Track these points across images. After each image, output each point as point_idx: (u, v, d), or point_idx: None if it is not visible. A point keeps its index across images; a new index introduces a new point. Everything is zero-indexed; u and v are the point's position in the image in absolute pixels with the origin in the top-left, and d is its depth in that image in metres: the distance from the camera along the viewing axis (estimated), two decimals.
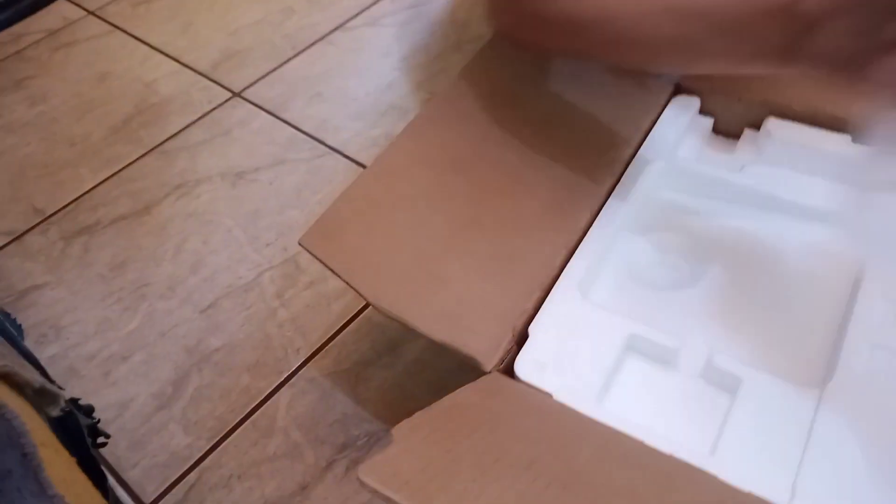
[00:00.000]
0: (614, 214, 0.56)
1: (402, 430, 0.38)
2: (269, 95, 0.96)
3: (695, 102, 0.64)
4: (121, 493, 0.60)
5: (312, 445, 0.59)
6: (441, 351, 0.48)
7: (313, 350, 0.66)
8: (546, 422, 0.43)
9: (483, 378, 0.46)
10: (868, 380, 0.44)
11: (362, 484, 0.36)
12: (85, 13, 1.21)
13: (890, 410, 0.43)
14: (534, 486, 0.38)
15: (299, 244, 0.55)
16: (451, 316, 0.50)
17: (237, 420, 0.62)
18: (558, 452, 0.40)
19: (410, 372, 0.63)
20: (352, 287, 0.52)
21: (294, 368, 0.65)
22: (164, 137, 0.93)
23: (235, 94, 0.98)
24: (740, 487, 0.40)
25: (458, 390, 0.43)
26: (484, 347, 0.48)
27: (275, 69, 1.01)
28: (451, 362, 0.49)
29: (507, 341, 0.49)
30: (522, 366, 0.48)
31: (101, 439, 0.53)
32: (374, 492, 0.36)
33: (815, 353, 0.47)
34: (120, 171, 0.90)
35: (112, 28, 1.16)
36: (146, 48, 1.10)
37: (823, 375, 0.45)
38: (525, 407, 0.44)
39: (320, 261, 0.54)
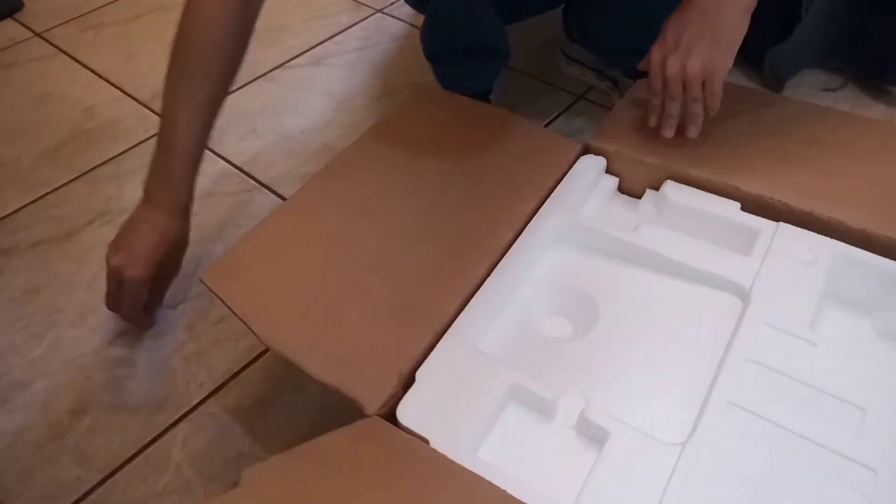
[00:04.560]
0: (512, 266, 0.58)
1: (252, 473, 0.38)
2: None
3: (601, 162, 0.67)
4: None
5: (204, 483, 0.59)
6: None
7: (216, 386, 0.66)
8: (414, 469, 0.44)
9: (360, 422, 0.47)
10: (725, 437, 0.46)
11: None
12: (31, 34, 1.21)
13: (741, 468, 0.45)
14: None
15: (200, 281, 0.55)
16: (342, 359, 0.51)
17: (131, 454, 0.62)
18: (416, 500, 0.41)
19: (311, 411, 0.63)
20: (248, 327, 0.53)
21: (195, 404, 0.65)
22: (95, 164, 0.93)
23: None
24: None
25: (329, 433, 0.44)
26: (369, 391, 0.49)
27: None
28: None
29: (392, 386, 0.50)
30: (405, 411, 0.49)
31: None
32: None
33: (682, 410, 0.49)
34: (45, 195, 0.89)
35: (56, 51, 1.16)
36: (89, 73, 1.10)
37: (688, 432, 0.47)
38: (396, 453, 0.45)
39: (220, 299, 0.55)
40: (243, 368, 0.67)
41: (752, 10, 0.58)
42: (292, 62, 1.10)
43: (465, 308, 0.55)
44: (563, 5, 0.95)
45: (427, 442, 0.47)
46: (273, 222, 0.62)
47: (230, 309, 0.54)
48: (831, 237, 0.58)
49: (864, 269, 0.56)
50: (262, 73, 1.08)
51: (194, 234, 0.81)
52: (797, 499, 0.43)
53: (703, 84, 0.60)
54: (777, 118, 0.68)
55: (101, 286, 0.75)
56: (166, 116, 0.65)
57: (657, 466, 0.45)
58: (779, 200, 0.60)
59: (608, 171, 0.68)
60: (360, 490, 0.40)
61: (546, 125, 0.94)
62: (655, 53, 0.61)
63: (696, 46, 0.58)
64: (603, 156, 0.68)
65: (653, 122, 0.66)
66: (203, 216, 0.84)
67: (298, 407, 0.64)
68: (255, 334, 0.53)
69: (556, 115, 0.96)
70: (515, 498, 0.43)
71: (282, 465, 0.40)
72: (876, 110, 0.92)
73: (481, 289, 0.56)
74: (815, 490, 0.44)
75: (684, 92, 0.61)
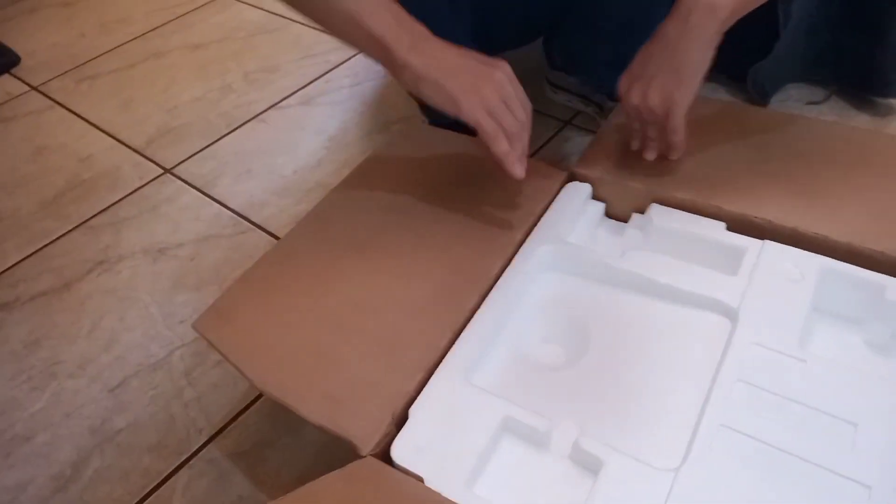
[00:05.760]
0: (502, 296, 0.59)
1: None
2: (200, 172, 0.99)
3: (586, 189, 0.68)
4: None
5: None
6: None
7: (215, 430, 0.66)
8: None
9: (354, 463, 0.47)
10: (719, 460, 0.46)
11: None
12: (28, 88, 1.24)
13: (735, 491, 0.45)
14: None
15: (192, 327, 0.56)
16: (334, 399, 0.52)
17: (133, 503, 0.62)
18: None
19: (310, 453, 0.63)
20: (240, 371, 0.54)
21: (195, 449, 0.65)
22: (92, 213, 0.94)
23: (166, 171, 1.00)
24: None
25: (322, 477, 0.44)
26: (362, 431, 0.50)
27: (208, 146, 1.04)
28: None
29: (385, 424, 0.50)
30: (399, 449, 0.49)
31: None
32: None
33: (676, 435, 0.49)
34: (45, 246, 0.90)
35: (53, 103, 1.19)
36: (84, 124, 1.12)
37: (681, 456, 0.47)
38: (390, 494, 0.45)
39: (212, 345, 0.56)
40: (242, 411, 0.68)
41: (715, 44, 0.58)
42: (284, 102, 1.12)
43: (457, 341, 0.55)
44: (542, 38, 0.97)
45: (422, 480, 0.47)
46: (264, 265, 0.63)
47: (222, 354, 0.55)
48: (817, 252, 0.58)
49: (851, 283, 0.56)
50: (254, 114, 1.09)
51: (190, 279, 0.82)
52: None
53: (668, 115, 0.61)
54: (760, 133, 0.68)
55: (100, 335, 0.76)
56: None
57: (652, 493, 0.45)
58: (763, 218, 0.60)
59: (594, 196, 0.69)
60: None
61: (535, 152, 0.95)
62: (623, 81, 0.63)
63: (655, 78, 0.59)
64: (588, 182, 0.68)
65: (634, 145, 0.67)
66: (199, 260, 0.85)
67: (297, 448, 0.64)
68: (247, 379, 0.53)
69: (544, 142, 0.97)
70: None
71: None
72: (860, 120, 0.92)
73: (472, 321, 0.57)
74: None
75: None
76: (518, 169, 0.58)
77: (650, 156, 0.66)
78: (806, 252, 0.58)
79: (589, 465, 0.48)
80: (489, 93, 0.56)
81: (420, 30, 0.57)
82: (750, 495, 0.44)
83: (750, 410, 0.49)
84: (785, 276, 0.57)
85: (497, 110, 0.56)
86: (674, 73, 0.58)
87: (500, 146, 0.56)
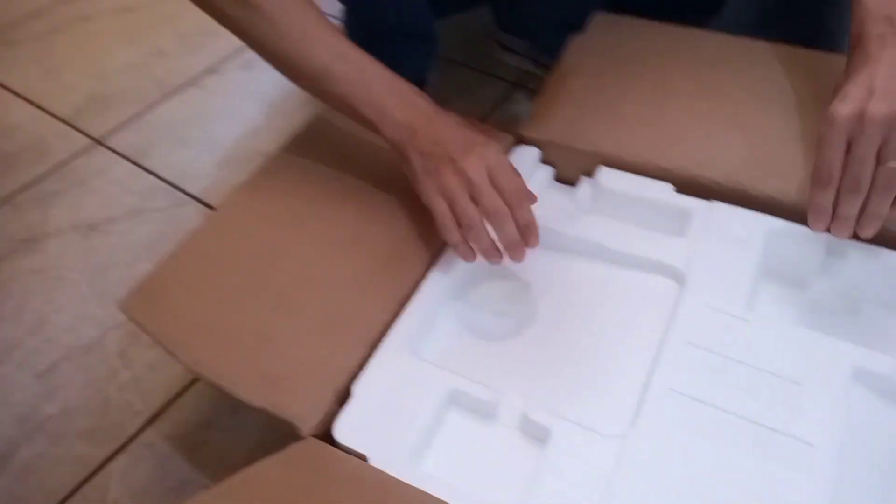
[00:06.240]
0: (448, 268, 0.57)
1: None
2: (132, 142, 0.94)
3: (534, 153, 0.66)
4: None
5: None
6: None
7: (153, 413, 0.63)
8: (351, 491, 0.42)
9: (293, 445, 0.45)
10: (666, 425, 0.46)
11: None
12: None
13: (682, 455, 0.44)
14: None
15: (119, 309, 0.53)
16: (273, 378, 0.49)
17: (65, 493, 0.59)
18: None
19: (254, 433, 0.61)
20: (171, 353, 0.51)
21: (132, 434, 0.62)
22: (15, 189, 0.88)
23: (96, 142, 0.94)
24: None
25: (260, 462, 0.42)
26: (303, 410, 0.47)
27: (140, 114, 0.98)
28: None
29: (327, 403, 0.48)
30: (341, 428, 0.47)
31: None
32: None
33: (623, 402, 0.49)
34: None
35: None
36: (4, 92, 1.05)
37: (630, 422, 0.47)
38: (332, 476, 0.43)
39: (140, 327, 0.52)
40: (181, 393, 0.65)
41: None
42: (221, 67, 1.06)
43: (402, 314, 0.54)
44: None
45: (366, 459, 0.45)
46: (196, 240, 0.59)
47: (152, 336, 0.52)
48: (764, 212, 0.57)
49: (798, 243, 0.55)
50: (190, 80, 1.04)
51: (123, 256, 0.78)
52: (738, 480, 0.43)
53: None
54: (714, 89, 0.67)
55: (27, 317, 0.72)
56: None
57: (600, 460, 0.44)
58: (710, 179, 0.59)
59: (543, 160, 0.67)
60: None
61: (486, 114, 0.93)
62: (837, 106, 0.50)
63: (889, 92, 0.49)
64: (537, 146, 0.66)
65: (818, 224, 0.53)
66: (132, 235, 0.80)
67: (241, 428, 0.62)
68: (179, 361, 0.50)
69: (494, 103, 0.95)
70: None
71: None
72: None
73: (417, 293, 0.55)
74: (756, 469, 0.43)
75: None
76: (469, 257, 0.53)
77: (846, 234, 0.51)
78: (754, 212, 0.58)
79: (537, 435, 0.47)
80: (450, 179, 0.52)
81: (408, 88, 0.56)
82: (696, 458, 0.44)
83: (697, 373, 0.48)
84: (732, 236, 0.56)
85: (457, 199, 0.51)
86: None
87: (448, 236, 0.53)
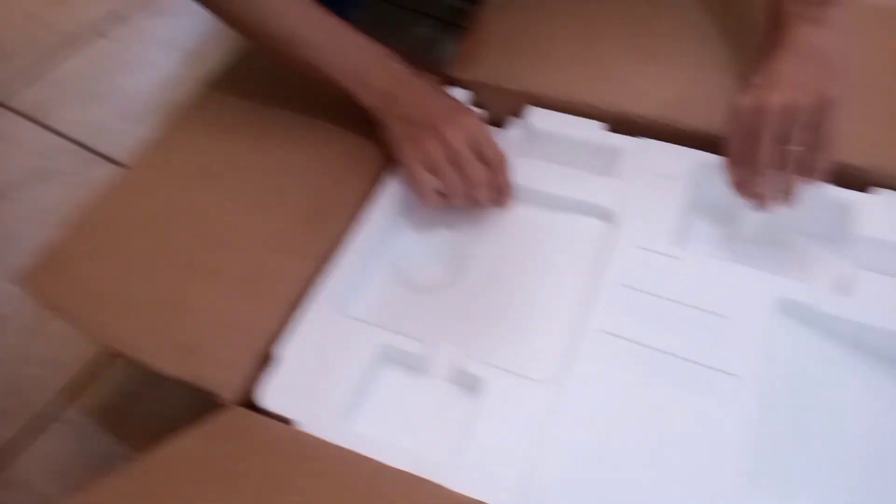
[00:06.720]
0: (375, 218, 0.54)
1: (87, 497, 0.34)
2: (32, 99, 0.86)
3: (465, 96, 0.63)
4: None
5: (69, 495, 0.54)
6: None
7: (71, 389, 0.60)
8: (276, 458, 0.41)
9: (214, 415, 0.43)
10: (598, 366, 0.45)
11: None
12: None
13: (615, 396, 0.44)
14: None
15: (16, 284, 0.49)
16: (190, 347, 0.47)
17: None
18: (278, 495, 0.38)
19: (175, 402, 0.58)
20: (77, 328, 0.47)
21: (49, 412, 0.59)
22: None
23: None
24: (474, 496, 0.40)
25: (179, 436, 0.40)
26: (222, 378, 0.45)
27: (39, 68, 0.90)
28: None
29: (247, 368, 0.46)
30: (264, 393, 0.45)
31: None
32: None
33: (555, 347, 0.48)
34: None
35: None
36: None
37: (563, 367, 0.46)
38: (256, 445, 0.41)
39: (42, 303, 0.49)
40: (103, 366, 0.61)
41: None
42: (128, 12, 0.98)
43: (327, 271, 0.51)
44: None
45: (293, 423, 0.44)
46: (103, 204, 0.55)
47: (57, 313, 0.48)
48: (695, 147, 0.56)
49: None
50: (93, 27, 0.96)
51: (29, 224, 0.72)
52: (668, 416, 0.44)
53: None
54: (644, 19, 0.64)
55: None
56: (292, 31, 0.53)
57: (533, 405, 0.44)
58: (639, 115, 0.58)
59: (474, 103, 0.64)
60: (214, 498, 0.36)
61: (418, 56, 0.88)
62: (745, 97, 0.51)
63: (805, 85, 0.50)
64: (466, 87, 0.64)
65: (743, 192, 0.52)
66: (39, 200, 0.75)
67: (164, 398, 0.59)
68: (86, 335, 0.47)
69: (427, 43, 0.90)
70: (390, 467, 0.41)
71: (123, 484, 0.36)
72: None
73: (342, 248, 0.52)
74: (685, 404, 0.44)
75: None
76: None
77: (766, 204, 0.51)
78: (683, 148, 0.57)
79: (470, 385, 0.46)
80: (433, 148, 0.52)
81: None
82: (628, 397, 0.44)
83: (628, 314, 0.48)
84: (661, 173, 0.55)
85: (441, 168, 0.52)
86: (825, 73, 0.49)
87: (426, 201, 0.54)
